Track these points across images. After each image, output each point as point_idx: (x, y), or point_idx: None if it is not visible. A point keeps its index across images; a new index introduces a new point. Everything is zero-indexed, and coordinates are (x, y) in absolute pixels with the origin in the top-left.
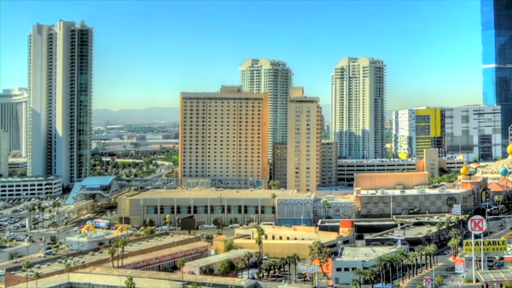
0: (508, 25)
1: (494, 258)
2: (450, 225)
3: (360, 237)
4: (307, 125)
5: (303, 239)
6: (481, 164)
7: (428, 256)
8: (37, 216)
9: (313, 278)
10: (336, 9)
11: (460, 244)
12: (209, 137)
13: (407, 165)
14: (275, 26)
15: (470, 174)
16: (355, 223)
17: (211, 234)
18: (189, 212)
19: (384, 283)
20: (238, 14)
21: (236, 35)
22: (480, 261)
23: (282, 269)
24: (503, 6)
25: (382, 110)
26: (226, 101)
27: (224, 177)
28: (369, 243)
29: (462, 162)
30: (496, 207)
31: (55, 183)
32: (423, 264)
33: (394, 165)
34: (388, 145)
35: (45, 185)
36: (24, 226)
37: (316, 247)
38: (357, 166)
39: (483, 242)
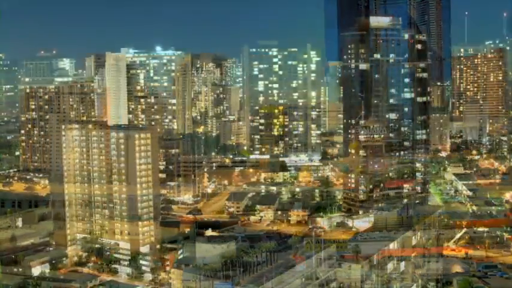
0: (351, 23)
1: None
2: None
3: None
4: None
5: None
6: None
7: (268, 253)
8: None
9: None
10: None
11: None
12: None
13: None
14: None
15: None
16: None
17: None
18: None
19: (223, 280)
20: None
21: None
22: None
23: None
24: (346, 5)
25: None
26: None
27: None
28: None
29: None
30: None
31: None
32: (263, 262)
33: None
34: None
35: None
36: None
37: None
38: None
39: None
